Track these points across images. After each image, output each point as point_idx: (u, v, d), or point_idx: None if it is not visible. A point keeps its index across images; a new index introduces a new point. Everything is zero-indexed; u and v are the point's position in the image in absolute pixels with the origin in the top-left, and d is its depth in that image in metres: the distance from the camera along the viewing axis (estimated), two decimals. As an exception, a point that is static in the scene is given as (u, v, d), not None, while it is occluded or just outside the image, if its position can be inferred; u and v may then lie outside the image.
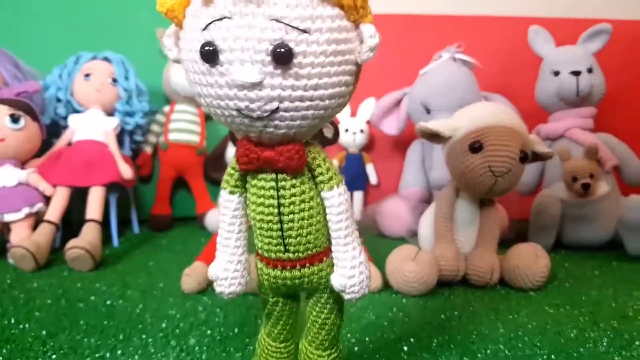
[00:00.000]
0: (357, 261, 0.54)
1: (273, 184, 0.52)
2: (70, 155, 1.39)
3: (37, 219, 1.31)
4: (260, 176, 0.53)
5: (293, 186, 0.52)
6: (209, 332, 0.87)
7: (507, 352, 0.80)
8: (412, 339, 0.84)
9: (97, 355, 0.79)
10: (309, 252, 0.55)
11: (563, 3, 1.78)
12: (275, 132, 0.49)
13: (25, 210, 1.27)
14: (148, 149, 1.70)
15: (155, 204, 1.67)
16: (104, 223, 1.36)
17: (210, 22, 0.45)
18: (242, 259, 0.58)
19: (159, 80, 1.69)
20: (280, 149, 0.50)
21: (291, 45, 0.44)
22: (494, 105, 1.12)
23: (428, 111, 1.48)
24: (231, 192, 0.55)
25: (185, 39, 0.48)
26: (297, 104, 0.46)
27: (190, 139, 1.67)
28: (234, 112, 0.47)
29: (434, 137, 1.08)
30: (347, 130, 1.74)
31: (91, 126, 1.46)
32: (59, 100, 1.49)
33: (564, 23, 1.67)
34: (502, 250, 1.14)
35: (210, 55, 0.45)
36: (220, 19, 0.44)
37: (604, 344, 0.83)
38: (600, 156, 1.34)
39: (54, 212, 1.29)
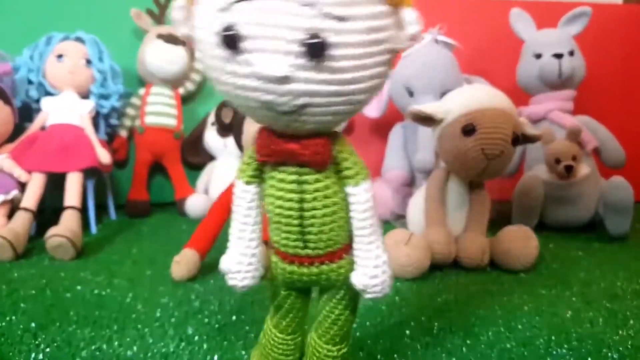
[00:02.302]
0: (381, 260, 0.51)
1: (295, 177, 0.49)
2: (45, 139, 1.33)
3: (12, 207, 1.26)
4: (281, 169, 0.49)
5: (317, 181, 0.49)
6: (206, 320, 0.85)
7: (508, 334, 0.80)
8: (412, 323, 0.84)
9: (93, 347, 0.76)
10: (329, 248, 0.52)
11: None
12: (302, 126, 0.45)
13: (0, 198, 1.22)
14: (123, 133, 1.65)
15: (132, 189, 1.62)
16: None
17: (233, 2, 0.39)
18: (256, 252, 0.55)
19: (133, 62, 1.64)
20: (306, 142, 0.47)
21: (326, 35, 0.39)
22: (486, 87, 1.13)
23: (411, 94, 1.47)
24: (247, 183, 0.52)
25: (200, 16, 0.43)
26: (329, 99, 0.42)
27: (167, 122, 1.63)
28: (257, 105, 0.43)
29: (426, 120, 1.08)
30: (326, 113, 1.73)
31: (66, 109, 1.40)
32: (30, 82, 1.43)
33: (544, 5, 1.68)
34: (489, 233, 1.15)
35: (231, 41, 0.40)
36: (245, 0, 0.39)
37: (600, 323, 0.85)
38: (581, 138, 1.36)
39: (31, 199, 1.24)
